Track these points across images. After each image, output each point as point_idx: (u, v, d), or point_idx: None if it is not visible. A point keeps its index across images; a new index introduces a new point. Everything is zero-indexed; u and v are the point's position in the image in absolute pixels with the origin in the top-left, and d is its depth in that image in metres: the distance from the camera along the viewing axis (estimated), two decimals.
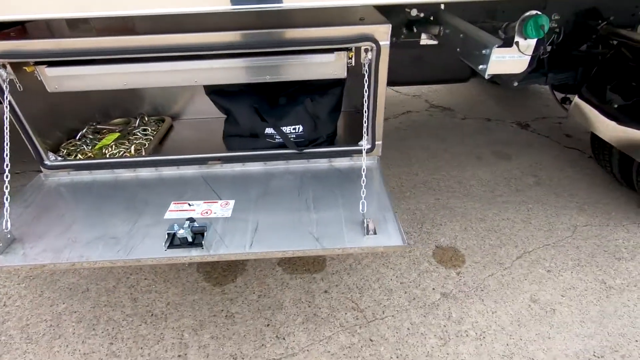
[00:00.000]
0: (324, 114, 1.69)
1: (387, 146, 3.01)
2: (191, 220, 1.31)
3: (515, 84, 2.30)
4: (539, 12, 1.44)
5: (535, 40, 1.48)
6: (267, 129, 1.65)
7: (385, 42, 1.42)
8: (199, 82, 1.53)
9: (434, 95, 3.94)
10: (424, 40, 2.41)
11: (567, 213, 2.29)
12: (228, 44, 1.38)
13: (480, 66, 1.58)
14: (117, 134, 2.06)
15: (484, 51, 1.53)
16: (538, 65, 2.52)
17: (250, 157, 1.66)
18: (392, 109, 3.66)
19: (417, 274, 1.89)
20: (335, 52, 1.45)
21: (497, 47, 1.50)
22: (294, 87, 1.79)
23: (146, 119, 2.25)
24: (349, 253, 1.47)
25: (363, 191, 1.36)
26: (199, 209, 1.47)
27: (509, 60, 1.53)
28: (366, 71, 1.47)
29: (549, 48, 2.46)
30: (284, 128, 1.65)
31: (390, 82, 2.71)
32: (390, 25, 1.40)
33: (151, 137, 2.04)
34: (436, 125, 3.34)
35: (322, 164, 1.71)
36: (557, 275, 1.89)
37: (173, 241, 1.27)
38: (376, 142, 1.69)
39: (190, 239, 1.27)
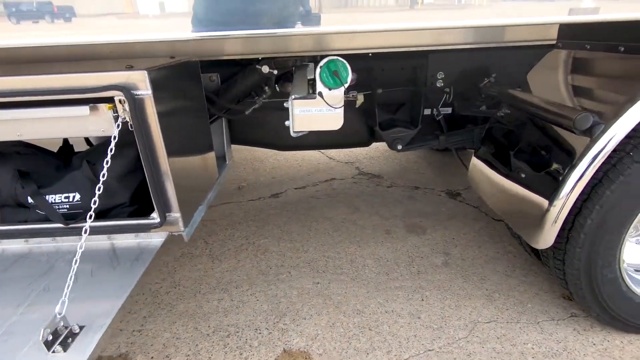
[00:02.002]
0: (111, 179, 1.38)
1: (289, 217, 2.65)
2: None
3: (399, 147, 2.01)
4: (334, 57, 1.19)
5: (341, 90, 1.22)
6: (28, 197, 1.33)
7: (143, 93, 1.16)
8: None
9: (368, 162, 3.67)
10: None
11: (470, 304, 1.82)
12: None
13: (287, 122, 1.30)
14: None
15: (284, 104, 1.27)
16: (433, 127, 2.27)
17: (5, 233, 1.31)
18: (316, 176, 3.37)
19: None
20: (90, 105, 1.18)
21: (296, 98, 1.23)
22: (93, 147, 1.52)
23: None
24: None
25: (68, 285, 0.97)
26: None
27: (317, 114, 1.24)
28: (131, 127, 1.19)
29: (448, 110, 2.25)
30: (51, 197, 1.33)
31: (280, 147, 2.52)
32: (146, 72, 1.14)
33: None
34: (356, 194, 3.00)
35: (100, 241, 1.35)
36: None
37: None
38: (172, 214, 1.35)
39: None
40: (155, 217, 1.31)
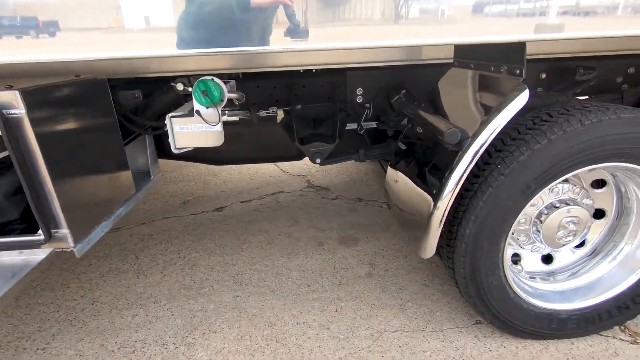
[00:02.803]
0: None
1: (226, 231, 2.67)
2: None
3: (318, 161, 2.07)
4: (206, 78, 1.24)
5: (216, 108, 1.26)
6: None
7: (17, 112, 1.19)
8: None
9: (319, 175, 3.73)
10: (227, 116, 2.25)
11: (381, 314, 1.86)
12: None
13: (169, 139, 1.34)
14: None
15: (165, 121, 1.31)
16: (358, 141, 2.34)
17: None
18: (265, 189, 3.40)
19: None
20: None
21: (174, 116, 1.28)
22: None
23: None
24: None
25: None
26: None
27: (197, 131, 1.29)
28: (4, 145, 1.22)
29: (372, 124, 2.32)
30: None
31: (212, 162, 2.56)
32: (19, 92, 1.18)
33: None
34: (299, 207, 3.04)
35: None
36: None
37: None
38: (61, 231, 1.36)
39: None
40: (40, 233, 1.32)
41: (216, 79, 1.26)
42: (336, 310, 1.89)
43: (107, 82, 1.69)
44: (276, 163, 4.20)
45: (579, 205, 1.58)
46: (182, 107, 1.35)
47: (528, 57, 2.04)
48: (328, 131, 2.24)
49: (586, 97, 2.29)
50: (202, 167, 4.01)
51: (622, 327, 1.74)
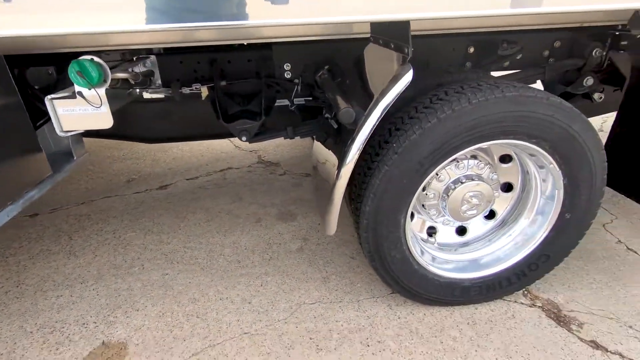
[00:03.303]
0: None
1: (166, 209, 2.66)
2: None
3: (244, 138, 2.06)
4: (83, 58, 1.20)
5: (100, 89, 1.23)
6: None
7: None
8: None
9: (272, 150, 3.71)
10: (150, 94, 2.19)
11: (304, 287, 1.93)
12: None
13: (53, 122, 1.30)
14: None
15: (46, 103, 1.26)
16: (290, 118, 2.33)
17: None
18: (214, 165, 3.38)
19: None
20: None
21: (54, 98, 1.23)
22: None
23: None
24: None
25: None
26: None
27: (83, 114, 1.26)
28: None
29: (302, 100, 2.30)
30: None
31: (137, 138, 2.50)
32: None
33: None
34: (245, 183, 3.04)
35: None
36: None
37: None
38: None
39: None
40: None
41: (96, 59, 1.20)
42: (261, 285, 1.95)
43: (4, 58, 1.61)
44: (231, 139, 4.17)
45: (483, 181, 1.65)
46: (68, 88, 1.30)
47: (456, 30, 2.05)
48: (256, 108, 2.21)
49: (512, 71, 2.32)
50: (155, 144, 3.93)
51: (525, 292, 1.87)
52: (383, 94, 1.26)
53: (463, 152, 1.42)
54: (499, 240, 1.77)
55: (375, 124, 1.28)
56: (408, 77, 1.23)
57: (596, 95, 2.69)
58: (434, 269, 1.67)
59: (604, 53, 2.12)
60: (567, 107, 1.36)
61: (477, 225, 1.90)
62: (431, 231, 1.89)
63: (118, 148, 3.83)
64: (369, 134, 1.30)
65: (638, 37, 2.03)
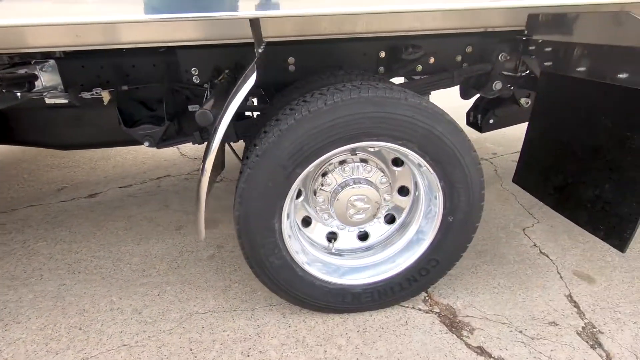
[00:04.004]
0: None
1: (87, 218, 2.58)
2: None
3: (147, 144, 2.01)
4: None
5: None
6: None
7: None
8: None
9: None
10: (52, 99, 2.14)
11: (202, 296, 1.86)
12: None
13: None
14: None
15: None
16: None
17: None
18: (152, 173, 3.31)
19: None
20: None
21: None
22: None
23: None
24: None
25: None
26: None
27: None
28: None
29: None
30: None
31: (50, 145, 2.44)
32: None
33: None
34: (177, 191, 2.98)
35: None
36: None
37: None
38: None
39: None
40: None
41: None
42: (158, 295, 1.89)
43: None
44: (179, 146, 4.12)
45: (370, 185, 1.62)
46: None
47: (368, 34, 2.05)
48: (161, 113, 2.18)
49: (423, 76, 2.33)
50: (97, 152, 3.86)
51: (426, 297, 1.84)
52: (233, 95, 1.24)
53: (331, 154, 1.39)
54: (393, 245, 1.74)
55: (227, 126, 1.25)
56: (253, 78, 1.21)
57: (523, 100, 2.72)
58: (321, 275, 1.62)
59: (508, 57, 2.14)
60: (428, 108, 1.34)
61: (379, 230, 1.87)
62: (332, 236, 1.86)
63: (57, 156, 3.75)
64: (222, 136, 1.27)
65: (540, 42, 2.06)
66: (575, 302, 1.80)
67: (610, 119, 1.76)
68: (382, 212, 1.81)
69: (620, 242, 1.76)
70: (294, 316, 1.73)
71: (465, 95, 2.47)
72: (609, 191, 1.81)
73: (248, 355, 1.55)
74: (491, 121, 2.76)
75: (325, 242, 1.83)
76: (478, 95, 2.60)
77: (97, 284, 1.97)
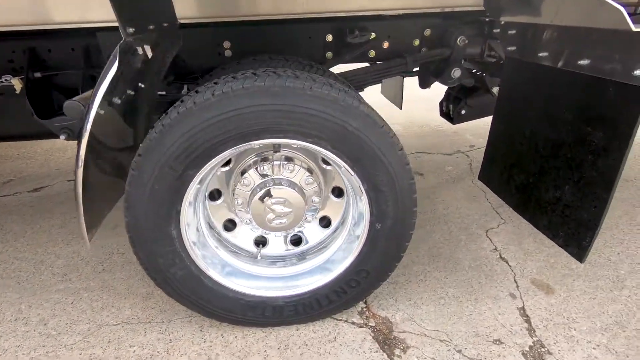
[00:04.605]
0: None
1: (23, 214, 2.42)
2: None
3: (63, 137, 1.79)
4: None
5: None
6: None
7: None
8: None
9: None
10: None
11: (119, 305, 1.69)
12: None
13: None
14: None
15: None
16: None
17: None
18: None
19: None
20: None
21: None
22: None
23: None
24: None
25: None
26: None
27: None
28: None
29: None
30: None
31: None
32: None
33: None
34: None
35: None
36: None
37: None
38: None
39: None
40: None
41: None
42: (72, 303, 1.73)
43: None
44: None
45: (291, 186, 1.43)
46: None
47: (311, 14, 1.83)
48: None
49: (378, 62, 2.11)
50: (56, 143, 3.68)
51: (364, 309, 1.66)
52: (98, 85, 1.05)
53: (229, 154, 1.20)
54: (323, 254, 1.56)
55: (92, 119, 1.06)
56: (114, 67, 1.02)
57: (495, 90, 2.50)
58: (235, 286, 1.45)
59: (467, 41, 1.91)
60: (338, 100, 1.14)
61: (314, 235, 1.69)
62: (260, 240, 1.68)
63: (15, 147, 3.58)
64: (89, 129, 1.08)
65: (503, 23, 1.83)
66: (527, 316, 1.62)
67: (572, 112, 1.55)
68: (317, 216, 1.62)
69: (578, 251, 1.56)
70: (212, 330, 1.57)
71: (423, 83, 2.24)
72: (569, 193, 1.61)
73: None
74: (463, 112, 2.53)
75: (252, 248, 1.66)
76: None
77: (11, 289, 1.82)
